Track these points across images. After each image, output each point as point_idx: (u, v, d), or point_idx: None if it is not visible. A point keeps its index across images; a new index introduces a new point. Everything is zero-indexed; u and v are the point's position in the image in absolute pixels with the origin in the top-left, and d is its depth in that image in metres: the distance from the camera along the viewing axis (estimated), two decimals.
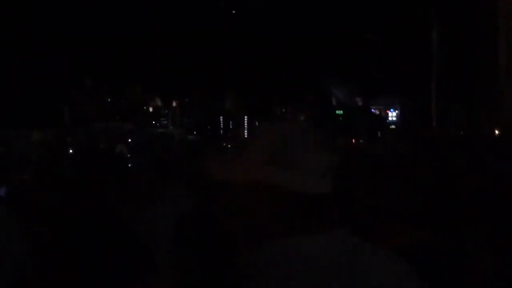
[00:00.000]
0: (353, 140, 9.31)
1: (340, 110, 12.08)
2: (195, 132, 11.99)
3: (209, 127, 12.27)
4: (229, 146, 9.28)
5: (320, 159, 1.34)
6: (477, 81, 11.57)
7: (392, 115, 12.01)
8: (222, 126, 12.29)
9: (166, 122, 12.45)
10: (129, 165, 5.38)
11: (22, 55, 12.17)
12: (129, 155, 7.49)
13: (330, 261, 1.29)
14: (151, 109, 12.72)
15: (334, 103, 12.34)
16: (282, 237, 1.31)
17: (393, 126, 11.62)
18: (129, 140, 10.47)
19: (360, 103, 12.13)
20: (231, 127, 12.17)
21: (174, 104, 12.72)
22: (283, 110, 12.36)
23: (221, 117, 12.33)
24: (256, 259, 1.32)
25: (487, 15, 11.64)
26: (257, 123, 11.25)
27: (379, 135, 9.73)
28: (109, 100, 12.73)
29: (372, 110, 12.18)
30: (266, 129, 1.47)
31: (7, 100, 11.59)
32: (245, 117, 12.03)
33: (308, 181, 1.30)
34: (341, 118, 11.97)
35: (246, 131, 11.85)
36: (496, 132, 9.80)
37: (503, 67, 11.58)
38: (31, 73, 12.12)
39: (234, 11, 14.69)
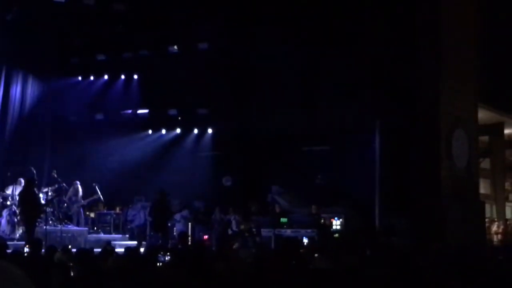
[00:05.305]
0: (300, 250, 8.97)
1: (284, 218, 11.93)
2: None
3: None
4: None
5: None
6: (420, 195, 11.64)
7: (336, 223, 11.87)
8: None
9: None
10: None
11: None
12: None
13: None
14: None
15: (277, 211, 12.19)
16: None
17: (336, 235, 11.45)
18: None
19: (314, 211, 11.93)
20: None
21: None
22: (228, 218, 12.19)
23: None
24: None
25: (428, 134, 11.95)
26: None
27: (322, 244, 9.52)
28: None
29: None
30: None
31: None
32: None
33: None
34: (285, 226, 11.81)
35: None
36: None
37: (445, 182, 11.77)
38: None
39: None
